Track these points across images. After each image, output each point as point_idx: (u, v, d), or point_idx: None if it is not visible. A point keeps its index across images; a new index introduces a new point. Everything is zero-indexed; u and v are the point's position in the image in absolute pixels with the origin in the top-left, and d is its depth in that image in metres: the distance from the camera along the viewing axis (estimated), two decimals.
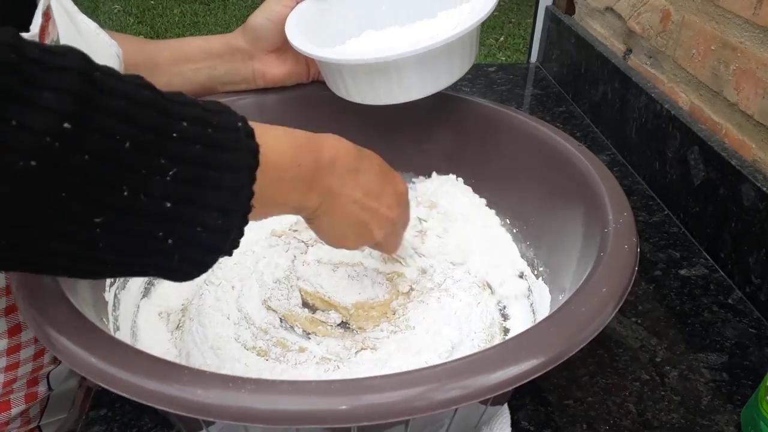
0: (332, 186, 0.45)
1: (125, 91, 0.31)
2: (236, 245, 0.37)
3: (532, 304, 0.58)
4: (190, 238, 0.34)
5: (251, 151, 0.36)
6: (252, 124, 0.38)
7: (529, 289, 0.59)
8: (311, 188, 0.43)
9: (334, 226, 0.48)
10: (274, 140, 0.40)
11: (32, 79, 0.27)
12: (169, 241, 0.33)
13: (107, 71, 0.31)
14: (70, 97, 0.28)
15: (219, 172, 0.34)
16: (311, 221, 0.47)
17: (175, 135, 0.32)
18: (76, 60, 0.29)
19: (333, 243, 0.50)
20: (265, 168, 0.37)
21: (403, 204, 0.53)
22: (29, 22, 0.44)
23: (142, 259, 0.34)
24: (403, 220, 0.54)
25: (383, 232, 0.50)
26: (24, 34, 0.42)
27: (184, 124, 0.33)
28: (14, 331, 0.51)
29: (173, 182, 0.32)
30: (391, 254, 0.59)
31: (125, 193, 0.31)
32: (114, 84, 0.30)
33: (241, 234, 0.37)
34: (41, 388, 0.57)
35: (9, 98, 0.27)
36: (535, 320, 0.56)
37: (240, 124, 0.36)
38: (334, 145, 0.46)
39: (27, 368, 0.54)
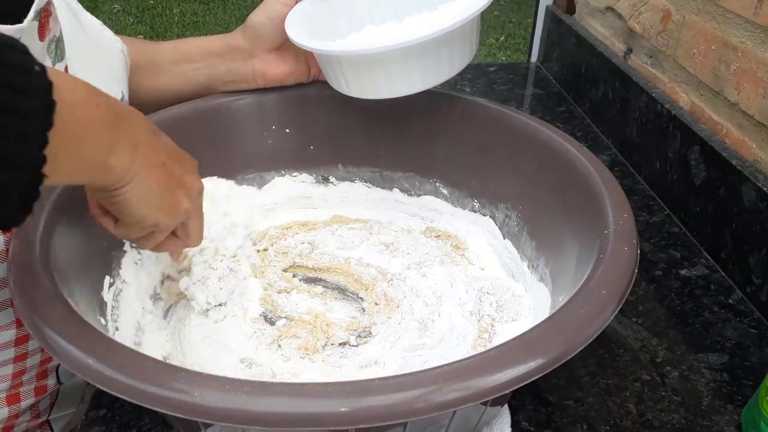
0: (138, 139, 0.41)
1: None
2: (27, 208, 0.33)
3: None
4: None
5: (43, 90, 0.32)
6: (56, 76, 0.34)
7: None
8: (117, 137, 0.39)
9: (145, 193, 0.42)
10: (68, 81, 0.35)
11: None
12: None
13: None
14: None
15: (4, 115, 0.30)
16: (116, 191, 0.41)
17: None
18: None
19: (141, 216, 0.44)
20: (61, 106, 0.33)
21: (198, 175, 0.49)
22: (25, 15, 0.44)
23: None
24: (202, 194, 0.49)
25: (192, 201, 0.47)
26: (11, 27, 0.43)
27: None
28: (21, 321, 0.51)
29: None
30: (196, 243, 0.51)
31: None
32: None
33: (36, 195, 0.33)
34: (50, 381, 0.57)
35: None
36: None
37: (37, 68, 0.32)
38: (125, 105, 0.42)
39: (35, 360, 0.54)
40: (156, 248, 0.49)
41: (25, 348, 0.53)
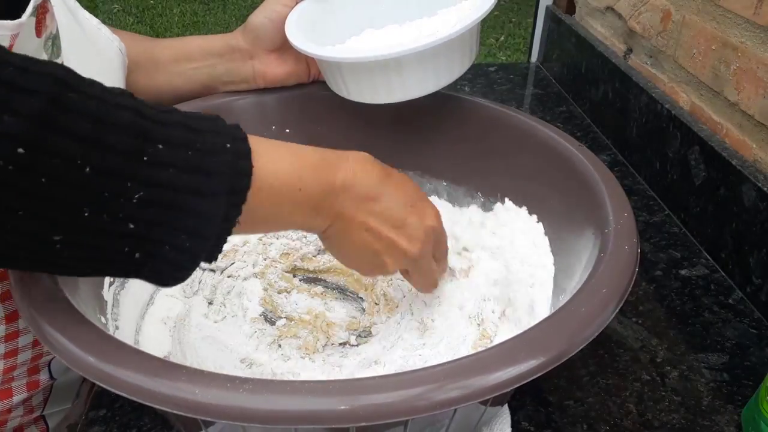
0: (343, 211, 0.43)
1: (97, 112, 0.31)
2: (213, 259, 0.36)
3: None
4: (158, 255, 0.34)
5: (237, 174, 0.35)
6: (253, 141, 0.37)
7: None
8: (317, 213, 0.41)
9: (344, 251, 0.46)
10: (273, 162, 0.38)
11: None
12: (136, 255, 0.33)
13: (86, 91, 0.31)
14: (28, 121, 0.28)
15: (191, 196, 0.33)
16: (323, 240, 0.45)
17: (146, 159, 0.32)
18: (48, 82, 0.30)
19: (344, 264, 0.48)
20: (259, 190, 0.36)
21: (430, 238, 0.48)
22: (23, 11, 0.44)
23: (111, 268, 0.35)
24: (427, 255, 0.48)
25: (398, 265, 0.47)
26: (11, 22, 0.43)
27: (160, 146, 0.32)
28: (11, 317, 0.51)
29: (139, 205, 0.32)
30: (426, 291, 0.54)
31: (85, 214, 0.31)
32: (85, 105, 0.30)
33: (219, 250, 0.36)
34: (42, 377, 0.57)
35: None
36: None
37: (229, 145, 0.35)
38: (352, 168, 0.43)
39: (26, 355, 0.54)
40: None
41: (15, 344, 0.53)
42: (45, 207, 0.30)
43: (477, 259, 0.60)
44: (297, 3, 0.64)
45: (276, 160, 0.39)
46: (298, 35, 0.61)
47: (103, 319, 0.49)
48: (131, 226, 0.32)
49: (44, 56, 0.51)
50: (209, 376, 0.33)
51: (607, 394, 0.53)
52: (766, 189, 0.60)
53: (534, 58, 1.20)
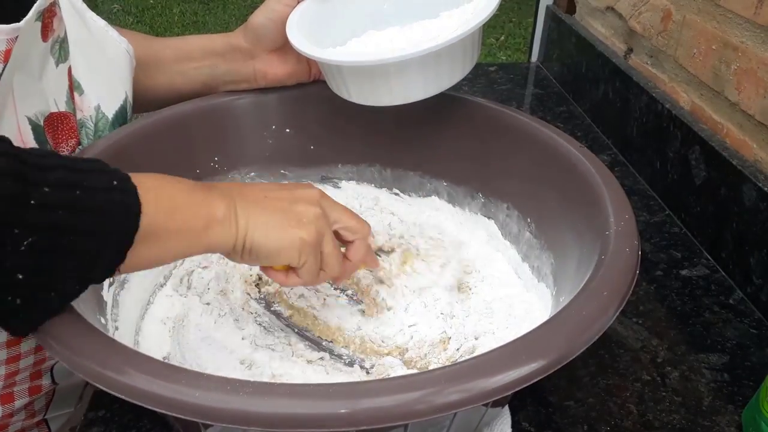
0: (229, 193, 0.43)
1: None
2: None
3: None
4: (42, 301, 0.33)
5: (125, 210, 0.35)
6: (136, 178, 0.36)
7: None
8: (210, 197, 0.41)
9: (266, 227, 0.43)
10: (161, 187, 0.39)
11: None
12: (18, 301, 0.33)
13: None
14: None
15: (84, 237, 0.32)
16: (245, 245, 0.43)
17: (32, 202, 0.31)
18: None
19: (281, 246, 0.44)
20: (147, 208, 0.36)
21: (311, 186, 0.49)
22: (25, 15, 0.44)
23: None
24: (328, 222, 0.48)
25: (313, 210, 0.46)
26: (7, 26, 0.43)
27: (46, 189, 0.31)
28: None
29: (28, 253, 0.31)
30: (365, 232, 0.51)
31: None
32: None
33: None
34: (45, 381, 0.57)
35: None
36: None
37: (115, 182, 0.34)
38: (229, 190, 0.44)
39: (29, 361, 0.54)
40: (346, 270, 0.50)
41: (17, 350, 0.53)
42: None
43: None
44: (298, 3, 0.63)
45: (161, 186, 0.39)
46: (299, 36, 0.60)
47: (102, 320, 0.49)
48: (19, 277, 0.31)
49: (51, 60, 0.51)
50: (209, 379, 0.33)
51: (608, 394, 0.53)
52: (766, 189, 0.60)
53: (534, 57, 1.20)
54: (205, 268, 0.63)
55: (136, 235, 0.35)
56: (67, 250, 0.32)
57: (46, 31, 0.49)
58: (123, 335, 0.52)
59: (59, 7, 0.51)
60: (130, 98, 0.62)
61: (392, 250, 0.65)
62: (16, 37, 0.44)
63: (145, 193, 0.36)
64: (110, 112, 0.59)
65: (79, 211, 0.32)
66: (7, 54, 0.43)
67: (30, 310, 0.33)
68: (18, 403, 0.55)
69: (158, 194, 0.38)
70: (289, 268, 0.47)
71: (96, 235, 0.33)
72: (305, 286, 0.54)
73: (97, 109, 0.58)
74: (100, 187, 0.33)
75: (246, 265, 0.62)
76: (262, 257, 0.44)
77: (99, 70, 0.58)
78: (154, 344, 0.54)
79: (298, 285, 0.48)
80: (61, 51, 0.53)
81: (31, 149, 0.33)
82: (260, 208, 0.43)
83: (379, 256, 0.64)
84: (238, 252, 0.43)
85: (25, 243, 0.30)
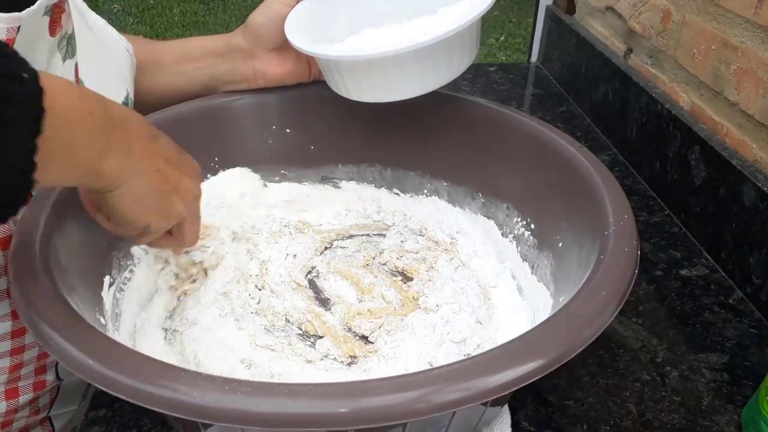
0: (132, 145, 0.41)
1: None
2: (13, 211, 0.34)
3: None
4: None
5: (33, 97, 0.32)
6: (50, 82, 0.34)
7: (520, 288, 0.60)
8: (109, 143, 0.39)
9: (137, 198, 0.42)
10: (59, 84, 0.35)
11: None
12: None
13: None
14: None
15: None
16: (108, 194, 0.41)
17: None
18: None
19: (131, 219, 0.44)
20: (52, 113, 0.33)
21: (199, 180, 0.49)
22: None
23: None
24: (200, 198, 0.50)
25: (187, 206, 0.47)
26: (7, 14, 0.43)
27: None
28: (18, 314, 0.51)
29: None
30: (191, 244, 0.52)
31: None
32: None
33: (25, 199, 0.34)
34: (49, 377, 0.57)
35: None
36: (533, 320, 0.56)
37: (26, 75, 0.32)
38: (124, 109, 0.43)
39: (33, 353, 0.54)
40: (151, 245, 0.50)
41: (22, 341, 0.53)
42: None
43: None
44: (297, 2, 0.64)
45: (59, 82, 0.36)
46: (297, 34, 0.61)
47: (102, 320, 0.49)
48: None
49: (58, 55, 0.51)
50: (208, 379, 0.33)
51: (607, 394, 0.53)
52: (766, 189, 0.60)
53: (534, 58, 1.20)
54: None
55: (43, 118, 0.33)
56: None
57: (54, 27, 0.49)
58: (122, 334, 0.52)
59: (68, 3, 0.51)
60: (131, 97, 0.63)
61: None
62: (18, 27, 0.44)
63: (49, 105, 0.33)
64: None
65: None
66: (9, 43, 0.44)
67: None
68: (22, 398, 0.55)
69: (61, 115, 0.35)
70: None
71: (5, 122, 0.31)
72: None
73: None
74: (15, 74, 0.32)
75: (247, 266, 0.62)
76: (111, 213, 0.43)
77: (100, 67, 0.58)
78: (154, 343, 0.54)
79: (105, 227, 0.46)
80: (69, 47, 0.53)
81: None
82: (145, 179, 0.43)
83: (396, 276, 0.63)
84: (97, 194, 0.42)
85: None
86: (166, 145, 0.46)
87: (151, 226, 0.45)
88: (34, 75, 0.33)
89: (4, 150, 0.32)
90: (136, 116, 0.43)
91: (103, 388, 0.33)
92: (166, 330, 0.57)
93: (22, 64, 0.33)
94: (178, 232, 0.50)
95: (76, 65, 0.54)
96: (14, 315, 0.51)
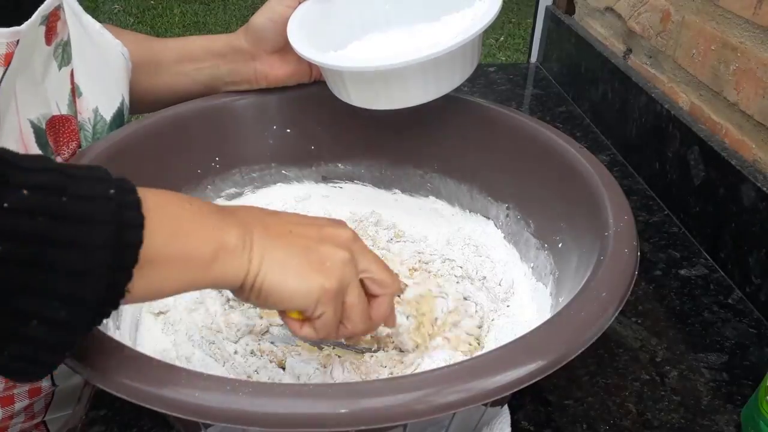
0: (248, 221, 0.38)
1: None
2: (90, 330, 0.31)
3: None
4: (20, 334, 0.28)
5: (120, 223, 0.30)
6: (143, 192, 0.32)
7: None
8: (223, 222, 0.36)
9: (283, 267, 0.37)
10: (163, 205, 0.33)
11: None
12: None
13: None
14: None
15: (65, 249, 0.27)
16: (256, 283, 0.37)
17: (6, 205, 0.26)
18: None
19: (296, 291, 0.38)
20: (154, 219, 0.31)
21: (345, 225, 0.43)
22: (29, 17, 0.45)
23: None
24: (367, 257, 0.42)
25: (341, 254, 0.40)
26: (6, 29, 0.43)
27: (25, 192, 0.27)
28: None
29: None
30: (396, 288, 0.44)
31: None
32: None
33: (99, 322, 0.31)
34: (45, 383, 0.57)
35: None
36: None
37: (113, 191, 0.30)
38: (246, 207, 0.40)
39: None
40: (367, 327, 0.43)
41: None
42: None
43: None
44: (299, 4, 0.64)
45: (165, 203, 0.34)
46: (299, 38, 0.60)
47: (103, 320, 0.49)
48: None
49: (54, 63, 0.51)
50: (209, 379, 0.33)
51: (607, 393, 0.53)
52: (765, 189, 0.60)
53: (534, 58, 1.20)
54: None
55: (139, 254, 0.30)
56: (44, 264, 0.27)
57: (50, 35, 0.49)
58: (123, 335, 0.52)
59: (63, 10, 0.51)
60: (126, 101, 0.62)
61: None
62: (17, 41, 0.44)
63: (146, 210, 0.31)
64: (108, 114, 0.59)
65: (60, 218, 0.27)
66: (8, 57, 0.44)
67: (11, 347, 0.28)
68: (18, 405, 0.55)
69: (161, 213, 0.33)
70: (305, 317, 0.41)
71: (82, 248, 0.28)
72: (320, 339, 0.44)
73: (95, 111, 0.58)
74: (93, 195, 0.29)
75: None
76: (273, 301, 0.38)
77: (96, 72, 0.58)
78: (154, 341, 0.55)
79: (312, 339, 0.42)
80: (64, 54, 0.53)
81: (25, 154, 0.29)
82: (281, 243, 0.38)
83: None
84: (246, 290, 0.37)
85: None
86: (290, 214, 0.42)
87: (324, 286, 0.38)
88: (132, 199, 0.31)
89: (83, 278, 0.29)
90: (244, 206, 0.40)
91: (106, 389, 0.33)
92: (166, 327, 0.56)
93: (110, 182, 0.31)
94: (372, 284, 0.42)
95: (71, 72, 0.54)
96: None
